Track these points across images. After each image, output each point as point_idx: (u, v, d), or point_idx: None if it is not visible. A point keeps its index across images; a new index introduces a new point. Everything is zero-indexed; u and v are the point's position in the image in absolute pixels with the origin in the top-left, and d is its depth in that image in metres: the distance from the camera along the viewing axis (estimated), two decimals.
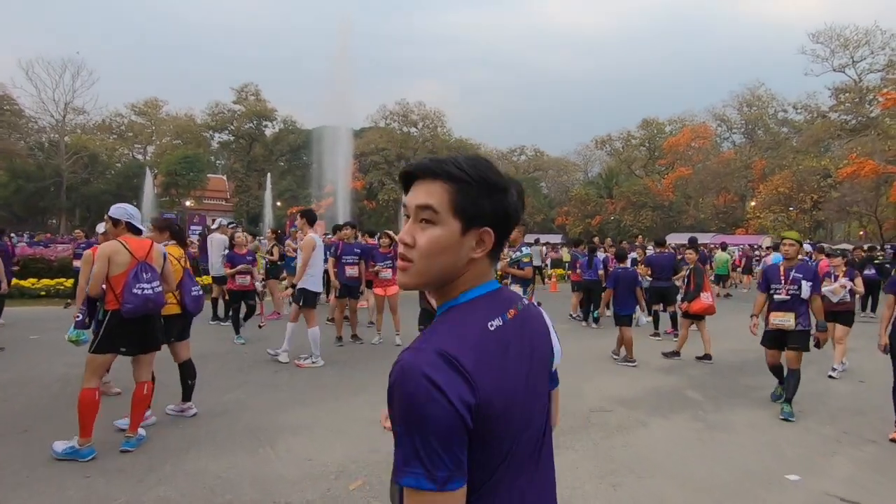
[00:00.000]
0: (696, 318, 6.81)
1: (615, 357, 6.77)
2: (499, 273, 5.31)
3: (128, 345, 3.53)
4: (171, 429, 4.01)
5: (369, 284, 7.70)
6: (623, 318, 6.61)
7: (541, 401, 0.93)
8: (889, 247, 23.15)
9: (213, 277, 8.59)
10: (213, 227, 8.63)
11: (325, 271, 6.81)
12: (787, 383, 4.65)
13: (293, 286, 6.15)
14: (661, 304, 8.54)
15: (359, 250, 7.35)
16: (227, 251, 7.70)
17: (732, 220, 40.10)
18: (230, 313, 7.71)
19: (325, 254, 7.87)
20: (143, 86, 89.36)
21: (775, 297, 4.71)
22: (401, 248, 0.87)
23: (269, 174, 42.88)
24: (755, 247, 23.13)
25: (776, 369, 4.96)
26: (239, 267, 7.14)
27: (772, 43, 78.58)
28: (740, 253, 19.34)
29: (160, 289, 3.60)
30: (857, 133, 34.73)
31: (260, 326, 7.71)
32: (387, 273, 7.20)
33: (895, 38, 33.52)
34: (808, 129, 40.02)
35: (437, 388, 0.73)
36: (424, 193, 0.85)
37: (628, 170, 49.11)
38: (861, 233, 36.48)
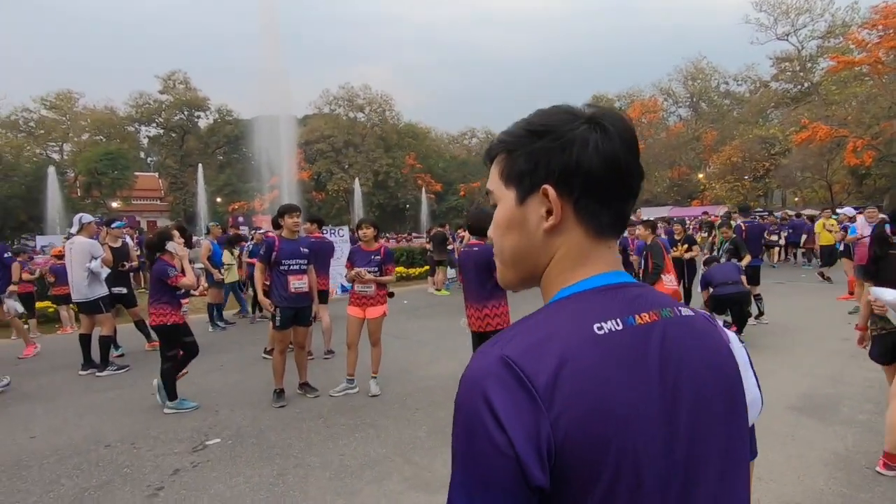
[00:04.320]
0: None
1: None
2: None
3: None
4: None
5: (324, 298, 5.55)
6: None
7: (705, 462, 0.60)
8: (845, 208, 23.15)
9: (77, 304, 5.86)
10: (74, 228, 5.72)
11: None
12: None
13: None
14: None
15: (307, 249, 4.77)
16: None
17: (687, 193, 40.44)
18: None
19: (222, 256, 5.64)
20: (52, 78, 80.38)
21: None
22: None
23: (200, 166, 39.15)
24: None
25: None
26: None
27: (708, 17, 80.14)
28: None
29: None
30: (799, 101, 35.43)
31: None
32: (366, 286, 4.64)
33: (833, 3, 34.07)
34: (750, 100, 40.69)
35: (491, 411, 0.53)
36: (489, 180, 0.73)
37: None
38: (796, 199, 37.64)
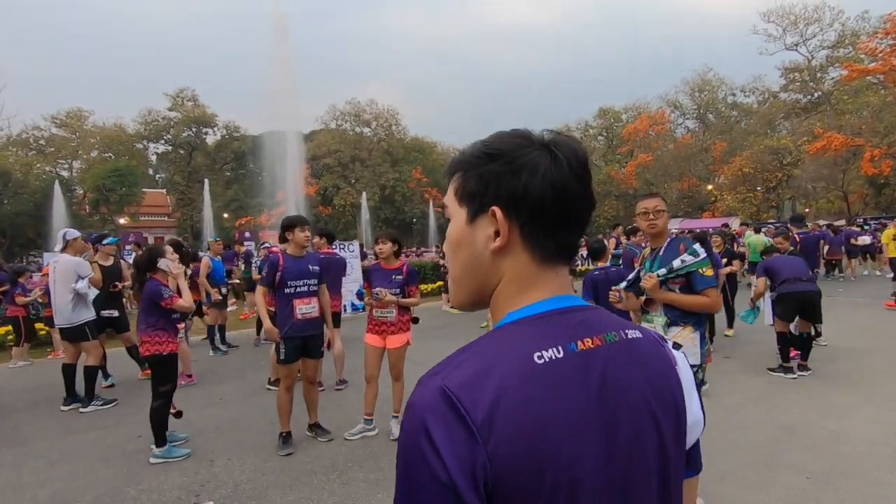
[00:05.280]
0: None
1: None
2: (640, 301, 2.78)
3: None
4: None
5: (336, 321, 4.94)
6: None
7: (643, 483, 0.63)
8: (860, 219, 22.40)
9: (61, 330, 5.28)
10: (58, 246, 5.07)
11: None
12: None
13: None
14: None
15: (317, 267, 4.09)
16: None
17: (698, 204, 39.90)
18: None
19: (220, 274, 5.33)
20: (63, 96, 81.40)
21: None
22: None
23: (206, 181, 39.07)
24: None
25: None
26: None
27: (711, 29, 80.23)
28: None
29: None
30: (809, 111, 35.10)
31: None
32: (387, 310, 3.98)
33: (843, 13, 33.93)
34: (759, 111, 40.45)
35: (430, 442, 0.54)
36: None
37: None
38: (807, 210, 37.04)
